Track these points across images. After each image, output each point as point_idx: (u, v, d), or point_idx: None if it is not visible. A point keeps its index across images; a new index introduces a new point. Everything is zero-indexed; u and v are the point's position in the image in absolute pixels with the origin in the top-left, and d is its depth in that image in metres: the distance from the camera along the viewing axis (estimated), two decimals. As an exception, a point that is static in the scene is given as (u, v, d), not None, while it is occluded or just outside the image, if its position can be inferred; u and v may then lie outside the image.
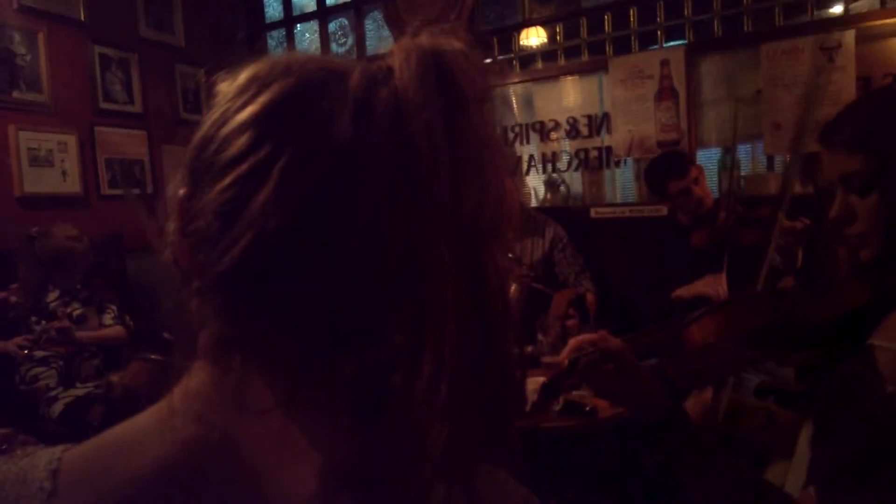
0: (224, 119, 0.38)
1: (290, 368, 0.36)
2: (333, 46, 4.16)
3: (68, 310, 2.81)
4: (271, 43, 4.41)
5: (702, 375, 1.12)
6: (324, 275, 0.34)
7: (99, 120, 3.57)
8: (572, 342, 1.00)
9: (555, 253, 2.91)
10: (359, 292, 0.34)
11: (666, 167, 2.58)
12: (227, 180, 0.35)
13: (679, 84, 3.10)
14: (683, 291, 2.37)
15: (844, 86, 2.67)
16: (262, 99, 0.37)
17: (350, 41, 4.12)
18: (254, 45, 4.39)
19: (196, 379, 0.39)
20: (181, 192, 0.39)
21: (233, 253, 0.34)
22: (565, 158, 3.49)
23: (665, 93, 3.13)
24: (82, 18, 3.50)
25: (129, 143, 3.71)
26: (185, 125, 3.99)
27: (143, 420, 0.41)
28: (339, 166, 0.34)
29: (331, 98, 0.35)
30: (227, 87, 0.40)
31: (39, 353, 2.67)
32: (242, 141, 0.36)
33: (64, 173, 3.37)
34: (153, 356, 1.39)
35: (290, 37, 4.34)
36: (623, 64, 3.23)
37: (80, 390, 2.65)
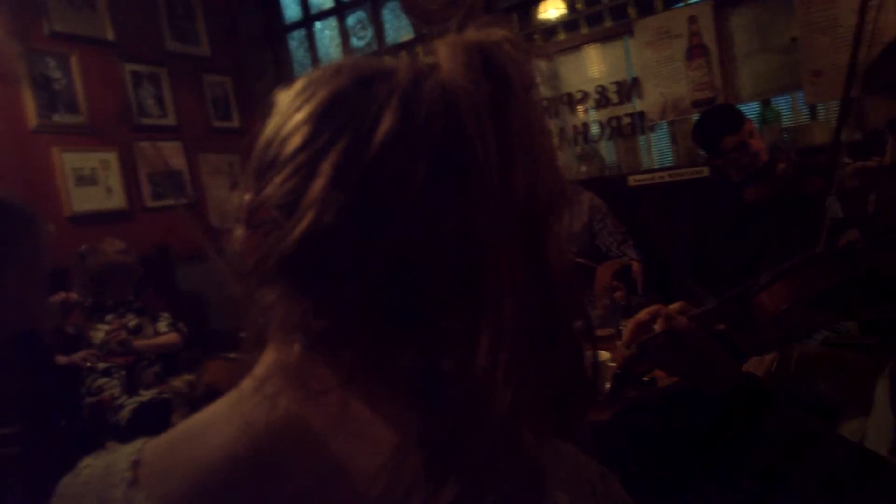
0: (283, 122, 0.41)
1: (350, 348, 0.38)
2: (353, 41, 4.17)
3: (124, 321, 2.91)
4: (292, 44, 4.45)
5: (772, 343, 1.08)
6: (379, 255, 0.35)
7: (136, 135, 3.67)
8: (632, 325, 0.96)
9: (594, 224, 2.87)
10: (413, 272, 0.35)
11: (719, 122, 2.44)
12: (287, 172, 0.38)
13: (709, 40, 3.00)
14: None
15: (885, 24, 2.54)
16: (316, 98, 0.39)
17: (369, 34, 4.12)
18: (275, 48, 4.44)
19: (263, 364, 0.42)
20: (247, 196, 0.42)
21: (292, 237, 0.36)
22: (596, 128, 3.43)
23: (695, 50, 3.04)
24: (111, 38, 3.59)
25: (166, 155, 3.81)
26: (217, 133, 4.10)
27: (216, 408, 0.43)
28: (389, 152, 0.35)
29: (379, 91, 0.37)
30: (284, 95, 0.43)
31: (102, 365, 2.77)
32: (299, 137, 0.39)
33: (108, 190, 3.48)
34: (229, 354, 1.44)
35: (310, 35, 4.36)
36: (649, 25, 3.15)
37: (144, 396, 2.75)
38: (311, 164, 0.37)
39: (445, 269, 0.35)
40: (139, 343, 2.87)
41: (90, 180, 3.41)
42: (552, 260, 0.37)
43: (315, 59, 4.35)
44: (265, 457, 0.38)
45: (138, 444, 0.42)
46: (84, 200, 3.36)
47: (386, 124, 0.36)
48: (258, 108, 4.31)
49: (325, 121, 0.38)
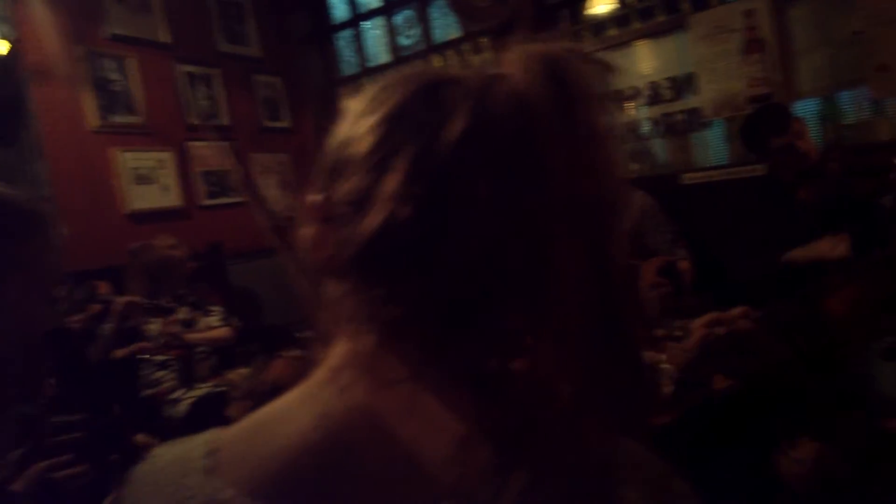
0: (354, 126, 0.43)
1: (418, 340, 0.39)
2: (401, 39, 4.20)
3: (177, 315, 2.99)
4: (341, 43, 4.50)
5: (839, 346, 1.04)
6: (447, 251, 0.37)
7: (191, 135, 3.77)
8: (699, 332, 0.94)
9: (644, 222, 2.81)
10: (481, 268, 0.37)
11: (766, 123, 2.41)
12: (359, 171, 0.40)
13: (766, 34, 2.92)
14: (799, 254, 2.22)
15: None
16: (388, 103, 0.41)
17: (417, 32, 4.13)
18: (323, 47, 4.49)
19: (335, 356, 0.43)
20: (317, 197, 0.44)
21: (365, 232, 0.38)
22: (647, 126, 3.37)
23: (752, 45, 2.95)
24: (166, 40, 3.69)
25: (220, 154, 3.90)
26: (267, 133, 4.18)
27: (290, 398, 0.45)
28: (459, 153, 0.37)
29: (448, 97, 0.39)
30: (354, 102, 0.45)
31: (159, 358, 2.85)
32: (371, 138, 0.40)
33: (164, 188, 3.58)
34: (292, 353, 1.47)
35: (357, 35, 4.40)
36: (704, 20, 3.07)
37: (200, 390, 2.82)
38: (384, 163, 0.39)
39: (512, 268, 0.37)
40: (192, 336, 2.95)
41: (147, 179, 3.51)
42: (614, 261, 0.38)
43: (363, 59, 4.38)
44: (341, 444, 0.40)
45: (211, 433, 0.44)
46: (141, 199, 3.47)
47: (457, 126, 0.37)
48: (308, 107, 4.38)
49: (397, 123, 0.40)
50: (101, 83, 3.39)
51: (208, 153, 3.84)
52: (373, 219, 0.38)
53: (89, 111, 3.32)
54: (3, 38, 3.45)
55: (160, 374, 2.85)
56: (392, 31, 4.23)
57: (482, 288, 0.37)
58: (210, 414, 2.63)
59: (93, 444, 0.86)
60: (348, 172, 0.41)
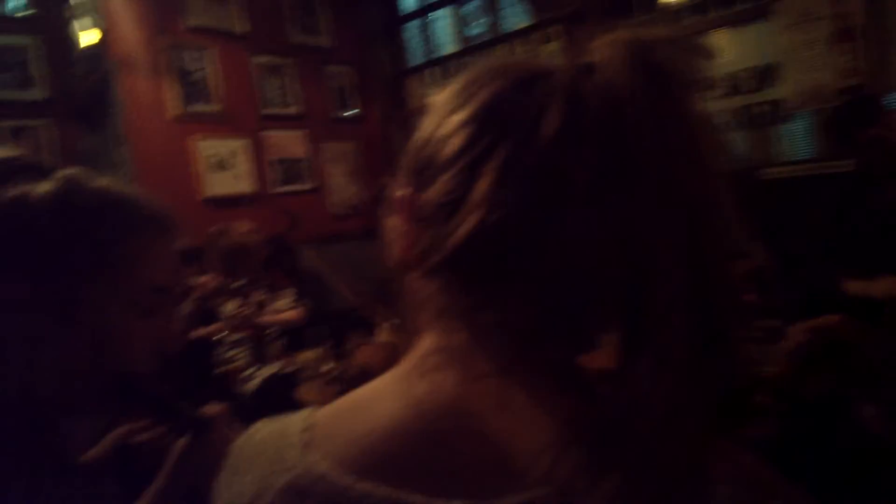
0: (440, 123, 0.42)
1: (509, 339, 0.39)
2: (469, 29, 4.19)
3: (251, 297, 3.10)
4: (409, 34, 4.53)
5: None
6: (542, 254, 0.37)
7: (264, 124, 3.88)
8: (800, 337, 0.91)
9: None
10: (576, 271, 0.36)
11: (856, 114, 2.29)
12: (449, 174, 0.40)
13: (857, 22, 2.76)
14: (858, 288, 2.10)
15: None
16: (475, 101, 0.40)
17: (486, 21, 4.12)
18: (393, 38, 4.53)
19: (425, 346, 0.44)
20: (403, 191, 0.44)
21: (458, 236, 0.38)
22: (726, 118, 3.25)
23: (841, 34, 2.81)
24: (242, 32, 3.80)
25: (291, 143, 4.00)
26: (338, 122, 4.26)
27: (381, 383, 0.46)
28: (554, 153, 0.36)
29: (539, 94, 0.38)
30: (439, 97, 0.44)
31: (232, 337, 2.96)
32: (460, 138, 0.39)
33: (238, 175, 3.70)
34: (379, 339, 1.51)
35: (426, 25, 4.42)
36: (789, 8, 2.94)
37: (270, 369, 2.91)
38: (474, 165, 0.38)
39: (607, 269, 0.36)
40: (265, 318, 3.05)
41: (222, 166, 3.64)
42: (714, 262, 0.37)
43: (430, 49, 4.40)
44: (431, 431, 0.41)
45: (307, 412, 0.46)
46: (217, 185, 3.60)
47: (550, 125, 0.36)
48: (376, 97, 4.44)
49: (487, 122, 0.39)
50: (182, 73, 3.52)
51: (281, 141, 3.94)
52: (465, 222, 0.38)
53: (170, 100, 3.46)
54: (95, 28, 3.64)
55: (233, 352, 2.96)
56: (461, 21, 4.23)
57: (577, 290, 0.37)
58: (278, 392, 2.72)
59: (169, 415, 0.90)
60: (437, 172, 0.41)
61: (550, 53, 3.61)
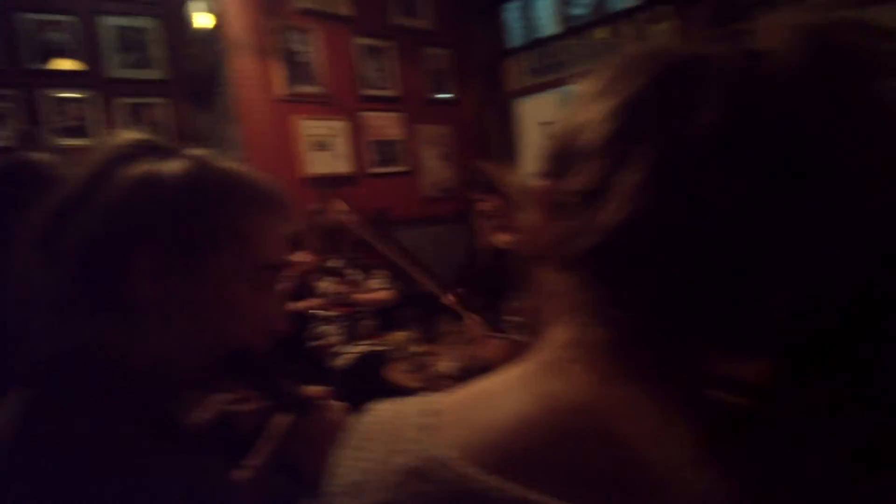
0: (588, 112, 0.40)
1: (651, 341, 0.37)
2: (572, 9, 4.07)
3: (346, 276, 3.19)
4: (510, 15, 4.45)
5: None
6: (693, 254, 0.34)
7: (363, 105, 3.96)
8: None
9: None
10: (731, 274, 0.33)
11: None
12: (595, 162, 0.37)
13: None
14: None
15: None
16: (626, 88, 0.38)
17: (590, 1, 3.98)
18: (493, 19, 4.48)
19: (557, 340, 0.42)
20: (541, 183, 0.43)
21: (600, 229, 0.36)
22: None
23: None
24: (346, 13, 3.88)
25: (388, 125, 4.06)
26: (434, 105, 4.28)
27: (509, 376, 0.44)
28: (713, 146, 0.33)
29: (700, 79, 0.35)
30: (586, 85, 0.42)
31: (326, 314, 3.07)
32: (608, 127, 0.37)
33: (338, 156, 3.81)
34: (504, 334, 1.52)
35: (527, 5, 4.34)
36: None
37: (360, 347, 3.00)
38: (623, 153, 0.36)
39: (770, 272, 0.33)
40: (358, 297, 3.13)
41: (323, 146, 3.75)
42: None
43: (531, 30, 4.31)
44: (564, 429, 0.38)
45: (430, 397, 0.45)
46: (316, 164, 3.72)
47: (710, 115, 0.33)
48: (473, 80, 4.41)
49: (639, 110, 0.37)
50: (289, 54, 3.64)
51: (379, 123, 4.01)
52: (610, 213, 0.35)
53: (277, 81, 3.59)
54: (209, 11, 3.82)
55: (326, 328, 3.06)
56: (563, 1, 4.11)
57: (733, 292, 0.34)
58: (367, 370, 2.79)
59: (274, 392, 0.93)
60: (581, 160, 0.39)
61: (660, 35, 3.45)
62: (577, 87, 0.43)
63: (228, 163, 0.74)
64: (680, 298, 0.35)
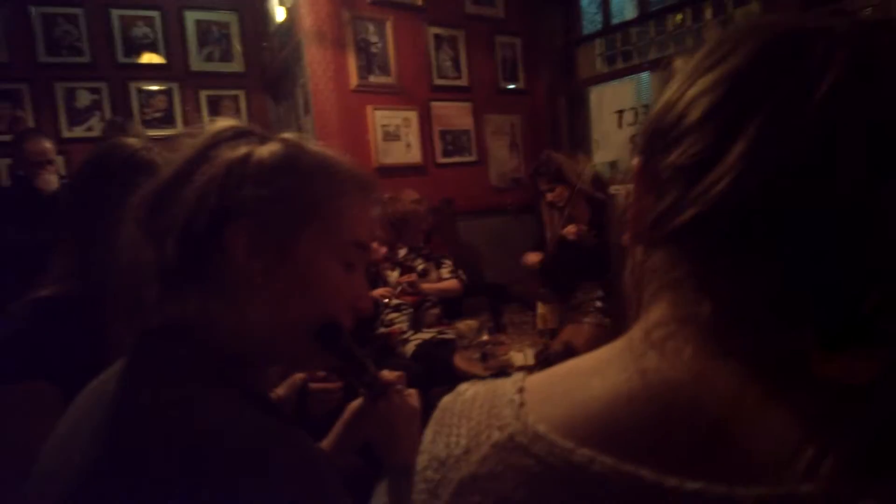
0: (687, 85, 0.39)
1: (755, 313, 0.35)
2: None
3: (414, 265, 3.22)
4: (584, 1, 4.36)
5: None
6: (800, 229, 0.33)
7: (433, 95, 3.97)
8: None
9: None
10: (836, 249, 0.32)
11: None
12: (697, 135, 0.37)
13: None
14: None
15: None
16: (731, 60, 0.37)
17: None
18: (567, 6, 4.39)
19: (653, 318, 0.41)
20: (636, 161, 0.43)
21: (703, 203, 0.35)
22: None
23: None
24: (420, 3, 3.89)
25: (457, 115, 4.06)
26: (503, 94, 4.24)
27: (603, 353, 0.44)
28: (829, 115, 0.33)
29: (816, 49, 0.34)
30: (684, 63, 0.41)
31: (394, 302, 3.11)
32: (711, 98, 0.37)
33: (408, 146, 3.84)
34: (585, 319, 1.51)
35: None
36: None
37: (426, 334, 3.04)
38: (729, 125, 0.35)
39: (878, 249, 0.32)
40: (425, 286, 3.16)
41: (394, 136, 3.79)
42: None
43: (607, 16, 4.20)
44: (662, 403, 0.38)
45: (520, 375, 0.46)
46: (388, 154, 3.76)
47: (830, 82, 0.33)
48: (543, 68, 4.35)
49: (745, 79, 0.36)
50: (363, 45, 3.69)
51: (447, 112, 4.02)
52: (714, 186, 0.35)
53: (351, 71, 3.65)
54: (282, 4, 3.92)
55: (394, 315, 3.11)
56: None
57: (847, 269, 0.32)
58: (434, 357, 2.82)
59: (356, 372, 0.95)
60: (682, 134, 0.38)
61: (748, 16, 3.29)
62: (677, 64, 0.42)
63: (321, 146, 0.77)
64: (788, 274, 0.34)
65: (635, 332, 0.42)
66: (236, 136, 0.73)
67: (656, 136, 0.41)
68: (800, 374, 0.36)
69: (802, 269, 0.33)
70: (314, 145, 0.76)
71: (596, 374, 0.42)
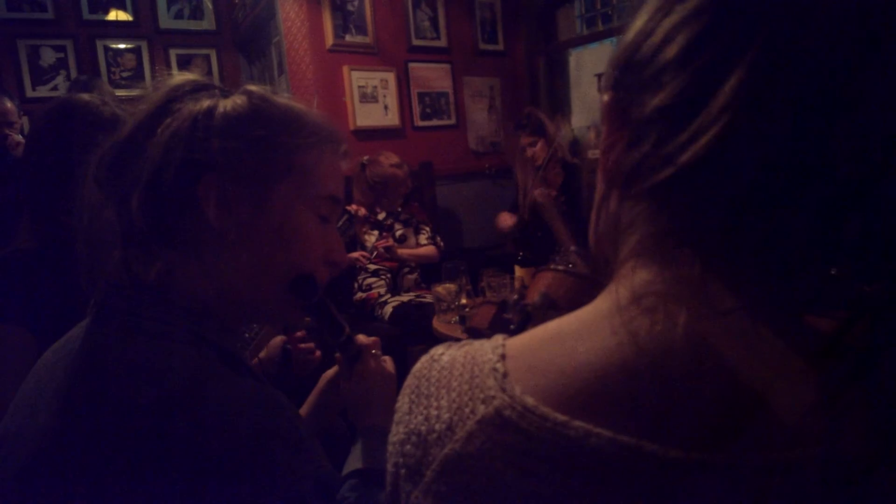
0: (663, 15, 0.35)
1: (758, 269, 0.33)
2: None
3: (392, 229, 3.20)
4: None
5: None
6: (804, 178, 0.30)
7: (411, 56, 3.89)
8: None
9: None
10: (844, 200, 0.30)
11: None
12: (679, 73, 0.33)
13: None
14: None
15: None
16: None
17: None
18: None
19: (640, 277, 0.38)
20: (605, 97, 0.38)
21: (692, 150, 0.32)
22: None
23: None
24: (397, -39, 3.78)
25: (435, 76, 3.99)
26: (482, 56, 4.17)
27: (585, 315, 0.40)
28: (833, 47, 0.29)
29: None
30: None
31: (372, 266, 3.09)
32: (694, 29, 0.33)
33: (385, 108, 3.77)
34: (559, 267, 1.48)
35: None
36: None
37: (403, 297, 3.04)
38: (719, 61, 0.31)
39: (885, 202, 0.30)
40: (402, 251, 3.14)
41: (371, 98, 3.72)
42: None
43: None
44: (660, 369, 0.34)
45: (499, 338, 0.42)
46: (365, 116, 3.69)
47: (834, 10, 0.29)
48: (521, 30, 4.28)
49: (727, 11, 0.32)
50: (339, 4, 3.58)
51: (426, 74, 3.94)
52: (702, 133, 0.31)
53: (327, 30, 3.55)
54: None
55: (371, 280, 3.09)
56: (623, -54, 3.91)
57: (844, 221, 0.30)
58: (413, 318, 2.83)
59: (331, 331, 0.94)
60: (661, 72, 0.34)
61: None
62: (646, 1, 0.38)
63: (287, 98, 0.74)
64: (784, 223, 0.32)
65: (622, 292, 0.38)
66: (197, 89, 0.70)
67: (628, 71, 0.37)
68: (806, 335, 0.34)
69: (810, 221, 0.31)
70: (280, 97, 0.73)
71: (582, 338, 0.38)
